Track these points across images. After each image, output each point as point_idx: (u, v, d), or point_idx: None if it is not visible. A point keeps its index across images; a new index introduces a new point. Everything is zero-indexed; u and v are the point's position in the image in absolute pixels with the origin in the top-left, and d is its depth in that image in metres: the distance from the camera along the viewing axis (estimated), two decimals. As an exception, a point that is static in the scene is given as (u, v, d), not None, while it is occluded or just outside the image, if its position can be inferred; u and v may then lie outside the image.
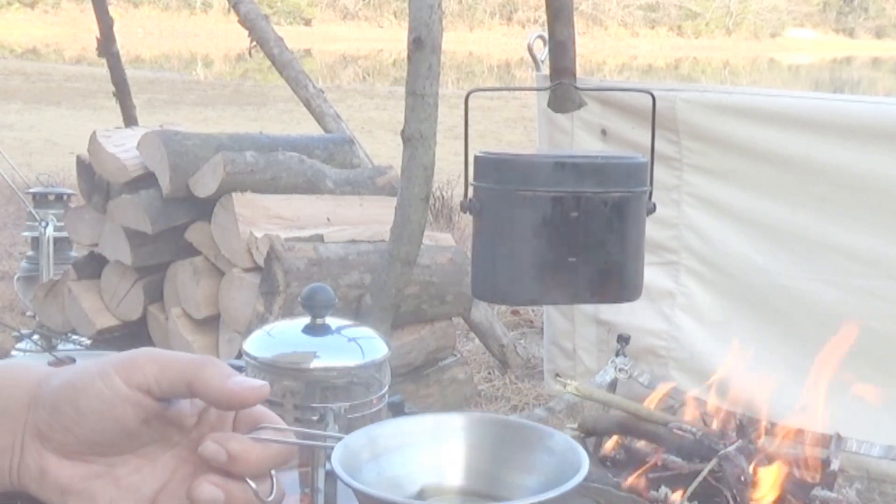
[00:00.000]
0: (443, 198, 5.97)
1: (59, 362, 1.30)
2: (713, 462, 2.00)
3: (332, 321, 1.08)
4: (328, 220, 3.21)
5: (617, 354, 2.70)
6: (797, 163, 2.62)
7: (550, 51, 2.03)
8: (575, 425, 2.37)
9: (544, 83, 2.32)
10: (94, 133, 3.48)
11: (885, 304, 2.52)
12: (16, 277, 4.21)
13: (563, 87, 2.00)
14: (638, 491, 2.07)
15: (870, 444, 2.36)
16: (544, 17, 2.08)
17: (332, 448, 0.68)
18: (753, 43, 33.77)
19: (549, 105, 2.26)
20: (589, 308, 3.04)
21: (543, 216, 1.73)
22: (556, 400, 2.86)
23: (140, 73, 15.12)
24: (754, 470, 2.02)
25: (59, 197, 4.08)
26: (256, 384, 0.63)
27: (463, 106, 1.89)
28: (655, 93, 1.99)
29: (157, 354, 0.63)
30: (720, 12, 35.24)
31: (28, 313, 3.99)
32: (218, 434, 0.63)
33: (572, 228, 1.73)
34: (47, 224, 3.94)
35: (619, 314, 2.96)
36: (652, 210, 1.89)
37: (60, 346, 3.23)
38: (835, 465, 2.05)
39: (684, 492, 1.98)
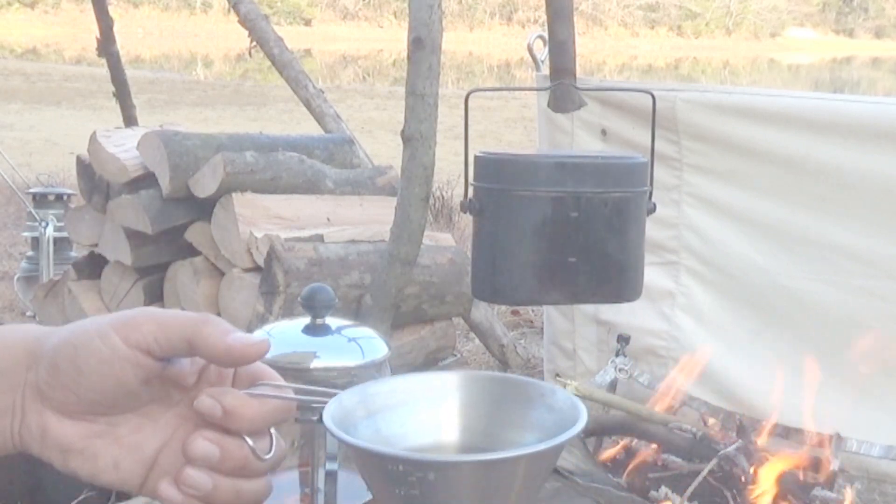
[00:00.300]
0: (443, 198, 5.97)
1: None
2: (713, 462, 2.00)
3: (332, 321, 1.08)
4: (328, 220, 3.21)
5: (617, 354, 2.70)
6: (797, 163, 2.61)
7: (550, 51, 2.03)
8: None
9: (544, 83, 2.32)
10: (94, 133, 3.48)
11: (885, 304, 2.52)
12: (16, 277, 4.21)
13: (563, 87, 2.00)
14: (638, 491, 2.07)
15: (870, 444, 2.36)
16: (544, 17, 2.08)
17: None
18: (753, 43, 33.78)
19: (549, 105, 2.26)
20: (589, 308, 3.04)
21: (543, 216, 1.73)
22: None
23: (140, 73, 15.13)
24: (754, 470, 2.02)
25: (59, 197, 4.08)
26: (257, 339, 0.62)
27: (463, 106, 1.89)
28: (655, 93, 1.99)
29: (156, 313, 0.62)
30: (720, 12, 35.25)
31: (28, 313, 3.99)
32: (214, 389, 0.62)
33: (572, 228, 1.73)
34: (47, 224, 3.94)
35: (619, 314, 2.96)
36: (652, 210, 1.89)
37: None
38: (835, 465, 2.05)
39: (684, 492, 1.99)
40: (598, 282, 1.78)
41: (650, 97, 1.94)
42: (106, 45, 4.79)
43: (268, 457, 0.63)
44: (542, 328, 3.60)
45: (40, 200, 4.05)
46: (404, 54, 2.79)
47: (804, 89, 19.16)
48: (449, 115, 4.99)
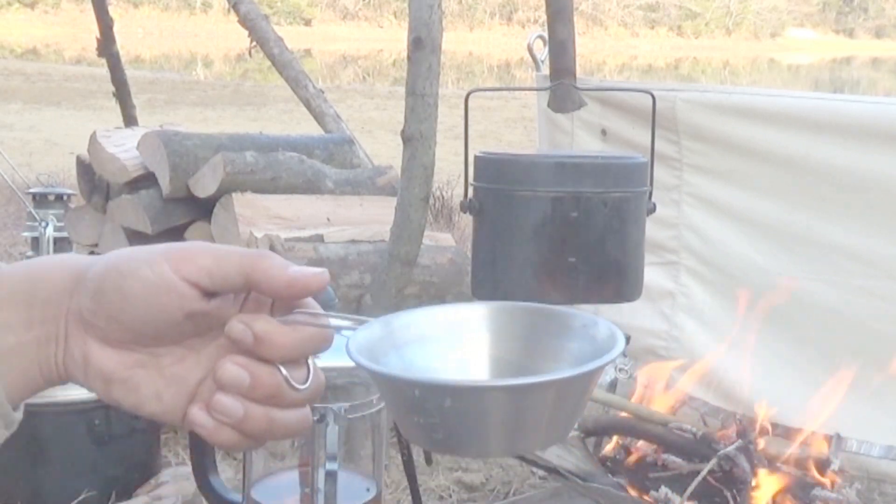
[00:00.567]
0: (443, 198, 5.97)
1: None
2: (713, 462, 2.00)
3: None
4: (328, 220, 3.21)
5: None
6: (797, 163, 2.62)
7: (550, 51, 2.03)
8: (575, 425, 2.37)
9: (544, 83, 2.33)
10: (94, 133, 3.49)
11: (885, 304, 2.52)
12: (16, 277, 4.20)
13: (563, 87, 2.01)
14: (638, 491, 2.07)
15: (870, 444, 2.36)
16: (544, 17, 2.09)
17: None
18: (753, 43, 33.78)
19: (549, 105, 2.26)
20: (589, 308, 3.04)
21: (543, 216, 1.73)
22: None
23: (140, 73, 15.12)
24: (754, 470, 2.02)
25: (59, 197, 4.07)
26: (317, 271, 0.60)
27: (463, 106, 1.89)
28: (655, 93, 1.99)
29: (212, 246, 0.60)
30: (720, 12, 35.24)
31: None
32: (245, 315, 0.60)
33: (572, 228, 1.73)
34: (47, 224, 3.93)
35: (619, 314, 2.96)
36: (652, 210, 1.89)
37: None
38: (835, 465, 2.05)
39: (684, 492, 1.98)
40: (598, 282, 1.79)
41: (650, 97, 1.94)
42: (106, 45, 4.79)
43: (303, 387, 0.61)
44: (542, 328, 3.60)
45: (40, 200, 4.04)
46: (404, 54, 2.79)
47: (804, 89, 19.17)
48: (449, 115, 4.99)
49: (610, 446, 2.30)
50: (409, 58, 2.74)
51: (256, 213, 3.09)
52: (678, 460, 2.13)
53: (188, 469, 2.16)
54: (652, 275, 2.45)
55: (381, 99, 14.23)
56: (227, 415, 0.59)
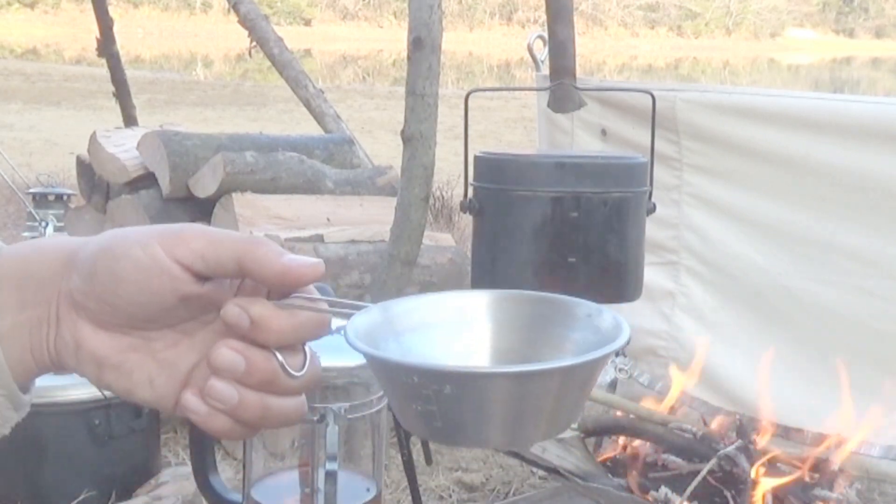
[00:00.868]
0: (443, 198, 5.97)
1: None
2: (713, 462, 2.00)
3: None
4: (328, 220, 3.21)
5: (617, 354, 2.70)
6: (797, 163, 2.62)
7: (550, 51, 2.03)
8: (575, 425, 2.37)
9: (544, 83, 2.33)
10: (94, 133, 3.49)
11: (885, 304, 2.51)
12: (16, 277, 4.20)
13: (563, 87, 2.01)
14: (638, 491, 2.07)
15: (870, 444, 2.36)
16: (544, 17, 2.09)
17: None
18: (753, 43, 33.79)
19: (549, 105, 2.26)
20: (589, 308, 3.04)
21: (543, 216, 1.73)
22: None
23: (140, 73, 15.13)
24: (754, 470, 2.02)
25: (59, 197, 4.08)
26: (312, 261, 0.58)
27: (463, 106, 1.89)
28: (655, 93, 1.99)
29: (206, 230, 0.59)
30: (720, 12, 35.26)
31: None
32: (241, 298, 0.59)
33: (572, 228, 1.73)
34: (47, 224, 3.94)
35: (618, 314, 2.96)
36: (652, 210, 1.89)
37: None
38: (835, 465, 2.05)
39: (684, 492, 1.98)
40: (598, 282, 1.79)
41: (650, 97, 1.94)
42: (106, 45, 4.79)
43: (299, 374, 0.59)
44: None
45: (40, 200, 4.04)
46: (404, 54, 2.79)
47: (804, 89, 19.17)
48: (449, 115, 4.99)
49: (610, 446, 2.30)
50: (409, 58, 2.74)
51: (256, 213, 3.09)
52: (678, 460, 2.13)
53: (188, 469, 2.16)
54: (652, 275, 2.45)
55: (381, 99, 14.23)
56: (222, 400, 0.58)
